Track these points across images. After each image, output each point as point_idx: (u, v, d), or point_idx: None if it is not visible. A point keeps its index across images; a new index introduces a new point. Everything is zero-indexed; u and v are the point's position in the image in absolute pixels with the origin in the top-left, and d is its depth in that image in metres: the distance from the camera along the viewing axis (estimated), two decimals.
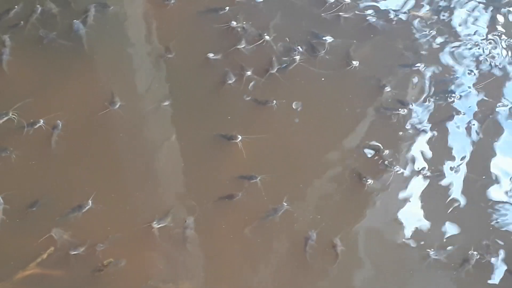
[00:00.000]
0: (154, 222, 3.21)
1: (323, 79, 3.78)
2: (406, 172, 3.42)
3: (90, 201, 3.27)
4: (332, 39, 3.90)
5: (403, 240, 3.22)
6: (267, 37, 3.87)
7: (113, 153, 3.56)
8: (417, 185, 3.39)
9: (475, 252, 3.15)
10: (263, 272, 3.17)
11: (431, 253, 3.16)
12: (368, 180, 3.36)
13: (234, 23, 3.93)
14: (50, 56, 3.86)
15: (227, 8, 4.04)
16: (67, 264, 3.11)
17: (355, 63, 3.76)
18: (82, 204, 3.27)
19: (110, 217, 3.27)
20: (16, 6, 4.05)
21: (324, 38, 3.91)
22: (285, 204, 3.28)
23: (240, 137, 3.45)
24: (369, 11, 4.08)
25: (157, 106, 3.65)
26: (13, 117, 3.53)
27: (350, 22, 4.02)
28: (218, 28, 3.95)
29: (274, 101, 3.63)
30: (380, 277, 3.14)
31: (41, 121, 3.53)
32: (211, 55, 3.82)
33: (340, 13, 4.02)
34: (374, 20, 4.02)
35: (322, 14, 4.03)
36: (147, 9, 4.12)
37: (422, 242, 3.21)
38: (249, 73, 3.72)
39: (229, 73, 3.72)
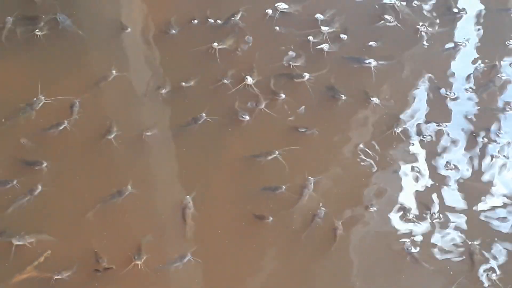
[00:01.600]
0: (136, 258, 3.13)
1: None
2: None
3: (129, 187, 3.34)
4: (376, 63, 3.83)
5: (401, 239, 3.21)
6: (249, 79, 3.80)
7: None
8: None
9: (475, 242, 3.13)
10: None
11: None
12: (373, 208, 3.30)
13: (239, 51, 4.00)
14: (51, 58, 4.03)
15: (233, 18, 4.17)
16: (64, 268, 3.08)
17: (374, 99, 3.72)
18: (121, 190, 3.32)
19: (110, 225, 3.28)
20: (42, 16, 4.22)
21: (368, 61, 3.83)
22: (311, 178, 3.33)
23: (277, 152, 3.43)
24: None
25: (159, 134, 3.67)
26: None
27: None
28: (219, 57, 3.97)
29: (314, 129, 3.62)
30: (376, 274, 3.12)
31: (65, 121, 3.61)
32: (183, 83, 3.81)
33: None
34: None
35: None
36: (149, 40, 4.21)
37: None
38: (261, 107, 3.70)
39: (240, 111, 3.70)
